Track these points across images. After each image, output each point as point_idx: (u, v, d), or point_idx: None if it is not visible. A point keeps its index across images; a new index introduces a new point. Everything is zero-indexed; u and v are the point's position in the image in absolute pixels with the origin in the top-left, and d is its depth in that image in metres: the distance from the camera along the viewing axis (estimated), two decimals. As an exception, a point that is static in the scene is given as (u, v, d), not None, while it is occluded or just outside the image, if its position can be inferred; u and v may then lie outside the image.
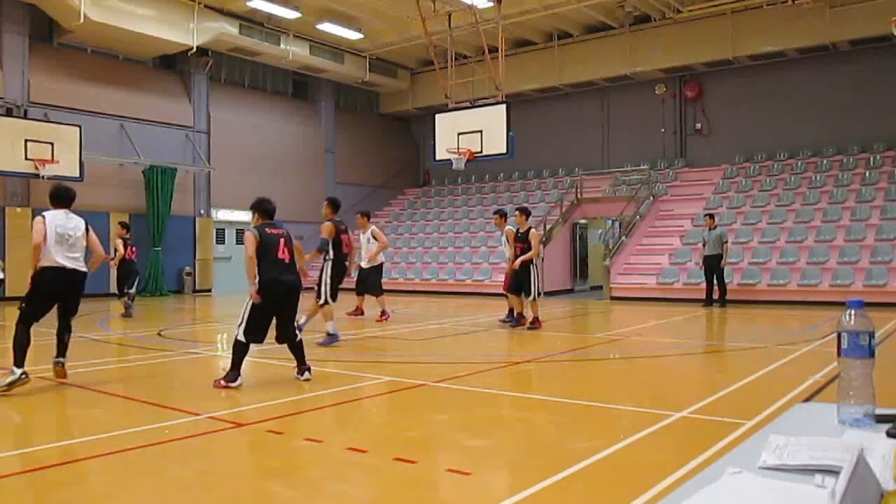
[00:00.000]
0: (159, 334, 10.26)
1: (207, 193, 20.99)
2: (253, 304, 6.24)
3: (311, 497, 3.59)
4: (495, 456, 4.26)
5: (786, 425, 1.42)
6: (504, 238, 10.98)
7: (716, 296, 14.74)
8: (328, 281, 8.74)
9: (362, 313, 12.12)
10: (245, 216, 22.40)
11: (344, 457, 4.13)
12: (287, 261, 6.46)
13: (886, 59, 18.43)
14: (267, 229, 6.56)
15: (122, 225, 13.31)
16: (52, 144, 16.43)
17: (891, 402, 1.56)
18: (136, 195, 19.09)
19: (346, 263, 9.21)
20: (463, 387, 6.26)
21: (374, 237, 11.67)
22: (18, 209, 16.97)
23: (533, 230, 10.49)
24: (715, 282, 14.72)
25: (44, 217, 6.14)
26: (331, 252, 8.85)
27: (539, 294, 10.54)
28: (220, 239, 21.56)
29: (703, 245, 15.00)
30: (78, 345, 9.34)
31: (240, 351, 6.28)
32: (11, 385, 5.85)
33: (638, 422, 4.83)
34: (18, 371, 5.89)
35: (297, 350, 6.51)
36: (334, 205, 9.20)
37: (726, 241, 14.85)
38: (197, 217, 20.60)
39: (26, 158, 16.10)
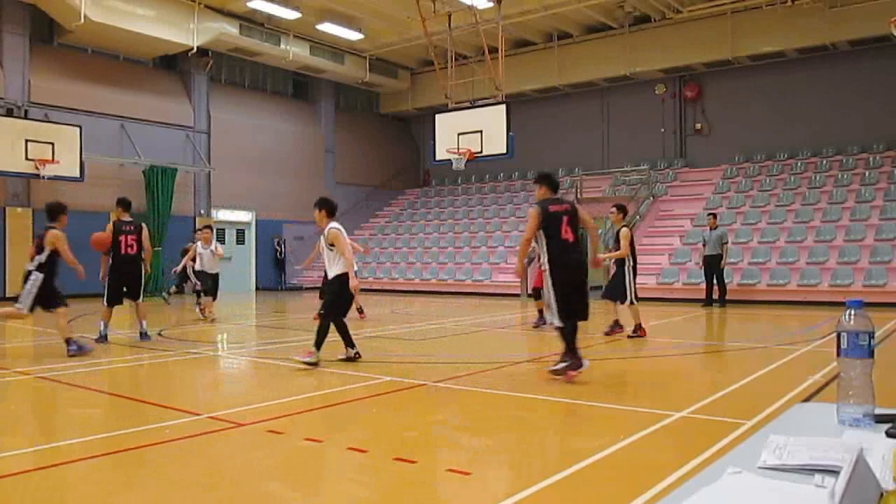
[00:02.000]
0: (159, 334, 10.26)
1: (207, 193, 20.99)
2: (554, 285, 6.17)
3: (311, 497, 3.59)
4: (495, 456, 4.26)
5: (786, 425, 1.42)
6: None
7: (716, 296, 14.74)
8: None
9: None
10: (245, 216, 22.55)
11: (344, 457, 4.13)
12: (571, 239, 6.34)
13: (886, 59, 18.43)
14: (550, 206, 6.41)
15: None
16: (52, 144, 16.43)
17: (891, 402, 1.56)
18: (136, 195, 18.99)
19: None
20: (463, 387, 6.25)
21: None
22: (19, 209, 16.97)
23: (624, 229, 9.60)
24: (715, 282, 14.72)
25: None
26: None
27: (635, 299, 9.53)
28: (221, 239, 21.53)
29: (704, 245, 15.01)
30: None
31: (568, 335, 6.21)
32: None
33: (638, 422, 4.83)
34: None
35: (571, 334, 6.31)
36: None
37: (726, 242, 14.85)
38: (197, 217, 20.60)
39: (27, 158, 16.11)
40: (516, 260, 6.73)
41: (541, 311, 10.70)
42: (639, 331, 9.46)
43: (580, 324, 6.37)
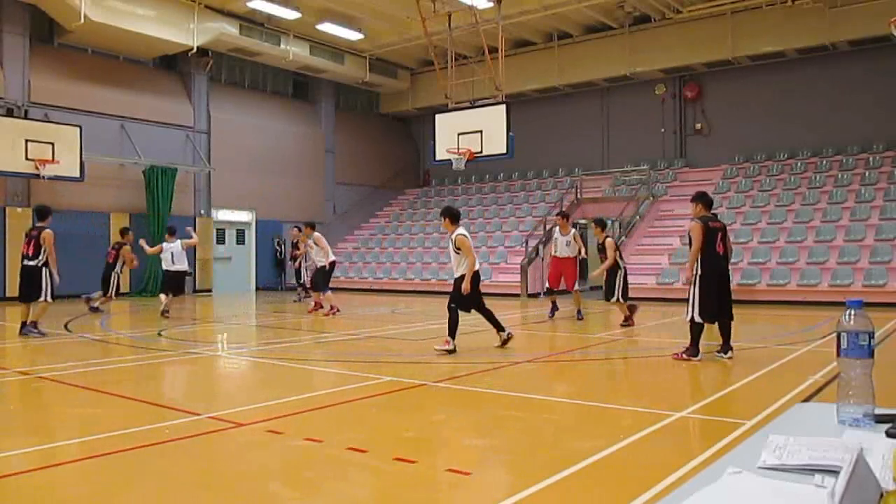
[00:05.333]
0: (159, 334, 10.26)
1: (207, 193, 20.99)
2: (701, 286, 7.26)
3: (311, 497, 3.59)
4: (495, 456, 4.26)
5: (786, 425, 1.42)
6: (570, 239, 12.16)
7: None
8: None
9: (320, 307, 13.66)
10: (245, 216, 22.55)
11: (344, 457, 4.13)
12: (721, 252, 7.50)
13: (886, 59, 18.43)
14: (710, 223, 7.53)
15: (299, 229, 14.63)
16: (52, 144, 16.42)
17: (891, 402, 1.56)
18: (136, 195, 19.09)
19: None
20: (463, 387, 6.26)
21: (316, 243, 13.52)
22: (19, 209, 16.96)
23: (609, 239, 11.06)
24: None
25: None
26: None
27: (621, 297, 10.86)
28: (221, 239, 21.56)
29: None
30: (78, 345, 9.37)
31: (698, 329, 7.32)
32: None
33: (638, 422, 4.83)
34: None
35: (724, 329, 7.49)
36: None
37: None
38: (197, 217, 20.60)
39: (27, 158, 16.09)
40: (686, 270, 7.92)
41: (554, 303, 12.40)
42: (628, 321, 10.87)
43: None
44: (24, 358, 8.49)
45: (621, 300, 10.86)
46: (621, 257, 11.09)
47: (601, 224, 11.47)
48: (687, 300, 7.43)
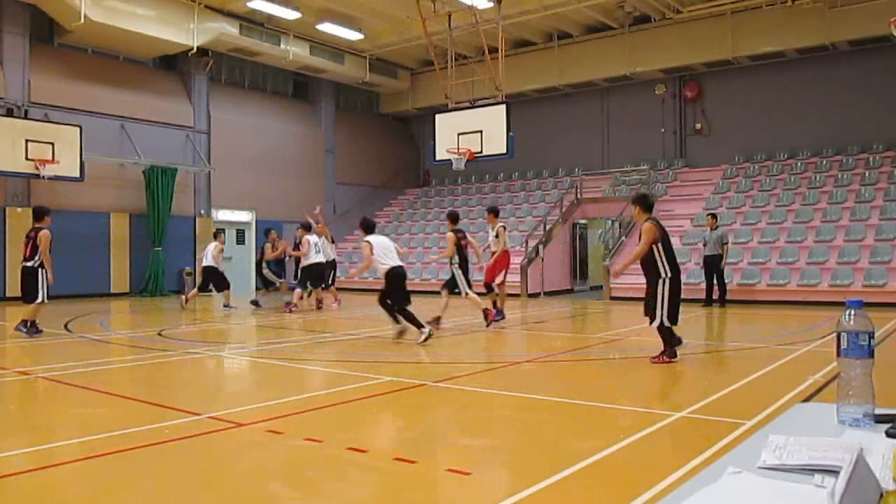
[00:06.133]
0: (159, 334, 10.26)
1: (207, 193, 20.98)
2: (671, 292, 7.13)
3: (311, 497, 3.59)
4: (495, 456, 4.26)
5: (786, 425, 1.42)
6: (494, 234, 11.71)
7: (715, 296, 14.74)
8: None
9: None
10: (245, 216, 22.54)
11: (344, 457, 4.13)
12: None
13: (886, 59, 18.43)
14: (660, 222, 7.40)
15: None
16: (52, 144, 16.42)
17: (891, 402, 1.56)
18: (136, 195, 19.09)
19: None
20: (463, 387, 6.26)
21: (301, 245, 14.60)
22: (19, 209, 16.96)
23: (450, 233, 11.11)
24: (715, 282, 14.73)
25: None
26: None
27: (469, 290, 10.96)
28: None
29: (704, 245, 15.03)
30: (78, 345, 9.37)
31: (669, 332, 7.24)
32: None
33: (638, 422, 4.83)
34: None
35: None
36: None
37: (726, 243, 14.86)
38: (197, 217, 20.60)
39: (27, 158, 16.09)
40: (624, 263, 7.71)
41: (495, 304, 11.47)
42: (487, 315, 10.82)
43: None
44: (24, 358, 8.49)
45: (467, 294, 10.95)
46: (461, 252, 11.05)
47: (494, 212, 11.74)
48: (651, 304, 7.25)
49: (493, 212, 11.96)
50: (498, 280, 11.62)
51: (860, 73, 19.01)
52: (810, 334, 9.93)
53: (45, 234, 9.78)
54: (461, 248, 10.91)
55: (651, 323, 7.32)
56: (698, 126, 21.68)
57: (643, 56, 20.92)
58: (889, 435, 1.28)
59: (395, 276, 9.09)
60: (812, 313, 12.85)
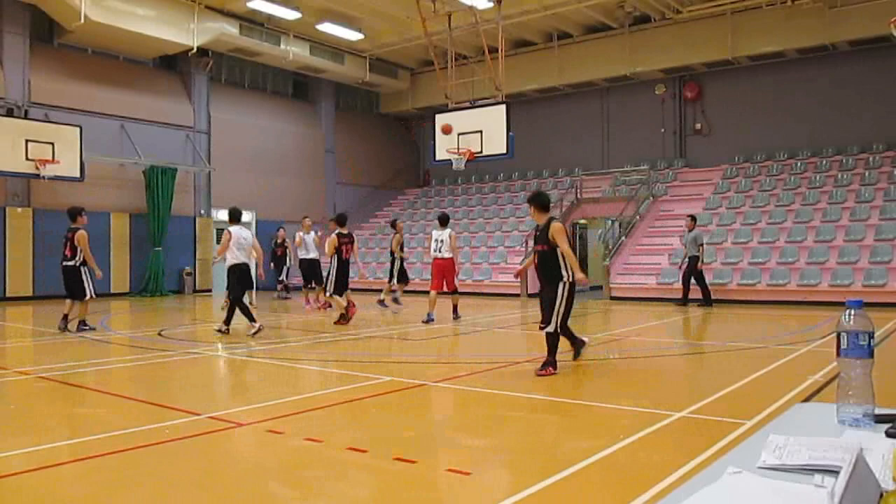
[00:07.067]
0: (159, 334, 10.26)
1: (207, 193, 20.99)
2: (570, 296, 6.71)
3: (311, 497, 3.59)
4: (495, 456, 4.26)
5: (786, 425, 1.42)
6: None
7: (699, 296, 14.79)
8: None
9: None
10: (245, 216, 22.46)
11: (344, 457, 4.13)
12: None
13: (886, 59, 18.43)
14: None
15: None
16: (52, 144, 16.44)
17: (891, 402, 1.56)
18: (136, 195, 19.09)
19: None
20: (463, 387, 6.26)
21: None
22: (19, 209, 16.97)
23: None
24: (696, 283, 14.74)
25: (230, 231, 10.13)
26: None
27: (329, 290, 11.51)
28: (221, 239, 21.54)
29: (685, 246, 15.19)
30: (78, 345, 9.36)
31: (557, 341, 6.79)
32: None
33: (638, 422, 4.83)
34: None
35: (568, 333, 7.14)
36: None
37: (702, 244, 14.94)
38: (197, 217, 20.61)
39: (27, 158, 16.11)
40: (523, 264, 7.36)
41: (455, 307, 12.13)
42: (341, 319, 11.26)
43: None
44: (24, 358, 8.49)
45: (334, 295, 11.37)
46: (340, 256, 11.55)
47: (340, 220, 11.95)
48: (547, 309, 6.69)
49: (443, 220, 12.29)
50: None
51: (860, 73, 19.01)
52: (810, 334, 9.93)
53: (81, 235, 10.24)
54: (341, 252, 11.55)
55: (543, 328, 6.76)
56: (698, 126, 21.68)
57: (643, 56, 20.92)
58: (889, 435, 1.28)
59: (238, 272, 10.16)
60: (812, 313, 12.85)
